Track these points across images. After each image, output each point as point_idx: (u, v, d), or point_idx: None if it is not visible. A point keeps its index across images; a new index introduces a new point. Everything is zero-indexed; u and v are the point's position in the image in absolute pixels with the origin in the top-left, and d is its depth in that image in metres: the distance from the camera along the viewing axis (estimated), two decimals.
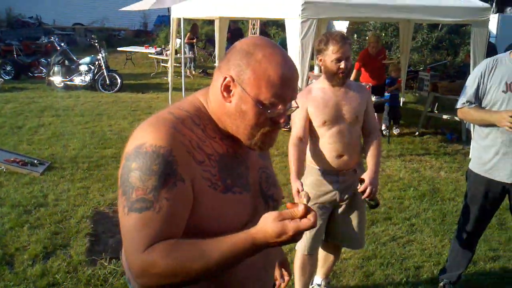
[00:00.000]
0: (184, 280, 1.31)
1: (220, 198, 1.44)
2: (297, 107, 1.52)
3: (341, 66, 3.08)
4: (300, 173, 3.16)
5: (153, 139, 1.35)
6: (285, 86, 1.42)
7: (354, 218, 3.43)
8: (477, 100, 3.40)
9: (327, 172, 3.28)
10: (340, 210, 3.41)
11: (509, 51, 3.39)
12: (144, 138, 1.36)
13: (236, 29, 16.34)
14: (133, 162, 1.34)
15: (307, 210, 1.28)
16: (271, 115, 1.44)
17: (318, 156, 3.29)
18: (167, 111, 1.48)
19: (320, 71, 3.48)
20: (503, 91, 3.28)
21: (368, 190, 3.16)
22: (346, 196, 3.34)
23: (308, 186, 3.30)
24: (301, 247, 3.42)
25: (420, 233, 4.93)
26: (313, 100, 3.20)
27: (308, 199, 1.34)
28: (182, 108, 1.50)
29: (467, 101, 3.43)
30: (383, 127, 9.07)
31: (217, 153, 1.47)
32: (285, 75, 1.42)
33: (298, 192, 2.97)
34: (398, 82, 8.86)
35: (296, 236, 1.28)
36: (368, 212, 5.31)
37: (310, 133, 3.27)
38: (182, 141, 1.39)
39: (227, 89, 1.43)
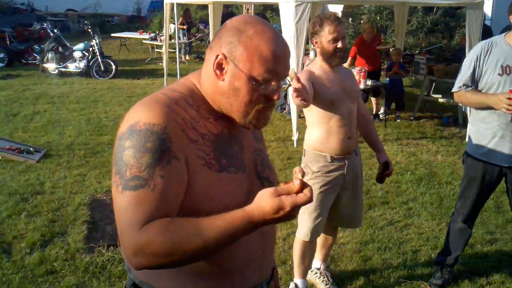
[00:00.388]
0: (180, 259, 1.30)
1: (215, 177, 1.43)
2: (290, 85, 1.53)
3: (338, 46, 3.07)
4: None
5: (146, 117, 1.34)
6: (278, 61, 1.42)
7: (356, 198, 3.48)
8: (473, 83, 3.39)
9: (335, 157, 3.27)
10: (344, 192, 3.40)
11: (504, 33, 3.38)
12: (138, 117, 1.35)
13: (228, 14, 16.23)
14: (127, 140, 1.33)
15: (303, 185, 1.27)
16: (265, 92, 1.44)
17: (326, 142, 3.25)
18: (160, 92, 1.47)
19: (315, 55, 3.46)
20: (499, 74, 3.27)
21: (391, 169, 3.41)
22: (351, 177, 3.37)
23: (316, 173, 3.28)
24: (303, 234, 3.39)
25: (418, 217, 4.95)
26: (319, 78, 3.16)
27: (303, 175, 1.33)
28: (175, 89, 1.49)
29: (463, 85, 3.42)
30: (381, 111, 9.06)
31: (211, 133, 1.46)
32: (277, 51, 1.41)
33: None
34: (395, 67, 8.79)
35: (293, 211, 1.27)
36: (365, 197, 5.34)
37: (315, 118, 3.25)
38: (176, 119, 1.37)
39: (219, 67, 1.42)
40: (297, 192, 1.27)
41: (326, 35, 3.07)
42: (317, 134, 3.28)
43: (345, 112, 3.21)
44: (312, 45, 3.24)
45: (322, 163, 3.27)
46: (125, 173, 1.31)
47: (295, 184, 1.27)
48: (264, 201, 1.27)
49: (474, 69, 3.36)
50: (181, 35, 15.43)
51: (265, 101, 1.46)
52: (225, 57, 1.41)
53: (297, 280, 3.56)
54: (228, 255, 1.47)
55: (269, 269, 1.70)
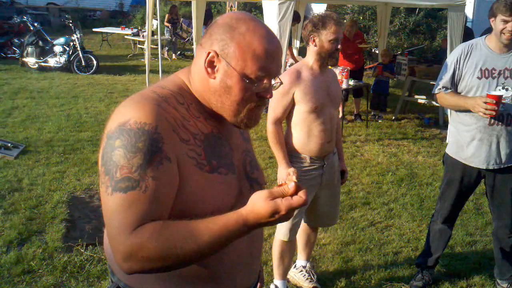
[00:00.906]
0: (173, 264, 1.28)
1: (206, 178, 1.40)
2: (281, 83, 1.50)
3: (338, 47, 3.11)
4: (287, 158, 3.19)
5: (137, 116, 1.30)
6: (270, 59, 1.40)
7: (334, 197, 3.53)
8: (453, 85, 3.42)
9: (313, 159, 3.27)
10: (321, 192, 3.41)
11: (484, 36, 3.40)
12: (128, 115, 1.31)
13: (206, 11, 16.16)
14: (117, 139, 1.28)
15: (298, 187, 1.26)
16: (257, 90, 1.42)
17: (305, 144, 3.25)
18: (149, 90, 1.42)
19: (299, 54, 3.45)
20: (478, 77, 3.30)
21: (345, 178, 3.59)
22: (328, 177, 3.38)
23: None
24: (282, 234, 3.40)
25: (399, 218, 4.96)
26: (304, 85, 3.14)
27: (297, 176, 1.32)
28: (165, 87, 1.45)
29: (443, 87, 3.46)
30: (373, 113, 9.06)
31: (202, 132, 1.43)
32: (270, 48, 1.40)
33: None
34: (378, 69, 8.80)
35: (289, 214, 1.26)
36: (346, 197, 5.34)
37: (297, 120, 3.22)
38: (167, 118, 1.34)
39: (211, 64, 1.40)
40: (292, 195, 1.26)
41: (328, 34, 3.07)
42: (297, 135, 3.26)
43: (327, 117, 3.22)
44: (309, 44, 3.19)
45: (300, 165, 3.27)
46: (115, 174, 1.27)
47: (290, 186, 1.26)
48: (258, 204, 1.25)
49: (454, 72, 3.40)
50: (165, 31, 15.34)
51: (257, 100, 1.44)
52: (217, 55, 1.38)
53: (277, 281, 3.54)
54: (217, 259, 1.44)
55: (256, 273, 1.69)
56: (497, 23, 3.20)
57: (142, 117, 1.30)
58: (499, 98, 3.09)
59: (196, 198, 1.38)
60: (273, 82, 1.45)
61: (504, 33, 3.17)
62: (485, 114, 3.13)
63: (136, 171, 1.26)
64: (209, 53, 1.38)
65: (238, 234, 1.29)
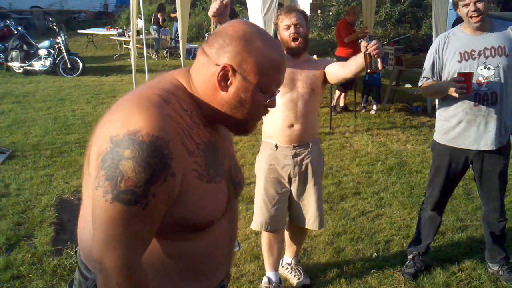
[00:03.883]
0: None
1: (204, 188, 1.40)
2: (278, 91, 1.52)
3: (291, 32, 3.13)
4: None
5: (150, 128, 1.25)
6: (282, 71, 1.44)
7: (310, 195, 3.40)
8: (434, 75, 3.48)
9: (281, 145, 3.30)
10: (295, 187, 3.38)
11: (459, 24, 3.44)
12: (139, 124, 1.26)
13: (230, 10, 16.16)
14: (127, 149, 1.23)
15: None
16: (268, 100, 1.45)
17: (271, 126, 3.30)
18: (153, 92, 1.37)
19: None
20: (458, 61, 3.34)
21: (377, 46, 2.82)
22: (300, 170, 3.33)
23: (262, 161, 3.38)
24: (254, 224, 3.44)
25: (389, 207, 4.96)
26: None
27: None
28: (167, 89, 1.40)
29: (423, 77, 3.54)
30: (363, 105, 9.03)
31: (203, 142, 1.42)
32: (282, 60, 1.43)
33: None
34: (381, 64, 8.73)
35: None
36: (337, 188, 5.34)
37: None
38: (177, 130, 1.31)
39: (224, 78, 1.38)
40: None
41: (281, 24, 3.17)
42: (266, 121, 3.34)
43: (288, 99, 3.19)
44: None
45: (269, 151, 3.34)
46: (119, 182, 1.23)
47: None
48: None
49: (434, 62, 3.47)
50: (152, 30, 15.32)
51: (264, 109, 1.47)
52: (233, 69, 1.36)
53: (269, 273, 3.54)
54: (207, 258, 1.50)
55: (233, 255, 1.74)
56: (461, 10, 3.26)
57: (155, 129, 1.25)
58: (468, 75, 3.15)
59: (195, 208, 1.38)
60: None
61: (471, 16, 3.21)
62: (457, 93, 3.18)
63: (141, 187, 1.24)
64: (224, 67, 1.36)
65: None
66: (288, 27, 3.13)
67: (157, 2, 16.85)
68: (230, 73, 1.37)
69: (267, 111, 1.49)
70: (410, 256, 3.82)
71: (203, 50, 1.42)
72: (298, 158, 3.31)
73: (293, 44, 3.15)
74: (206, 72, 1.40)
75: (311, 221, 3.43)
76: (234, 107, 1.42)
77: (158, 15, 15.70)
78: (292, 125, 3.23)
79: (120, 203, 1.24)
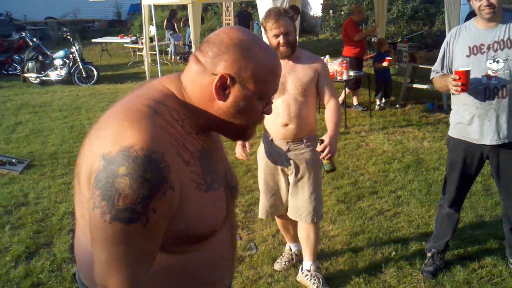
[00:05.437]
0: None
1: (203, 197, 1.37)
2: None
3: (280, 41, 3.19)
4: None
5: (143, 141, 1.21)
6: (278, 77, 1.42)
7: (303, 190, 3.47)
8: (444, 68, 3.48)
9: (276, 140, 3.44)
10: (290, 180, 3.50)
11: (473, 18, 3.39)
12: (131, 139, 1.21)
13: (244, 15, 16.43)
14: (121, 166, 1.18)
15: None
16: (266, 107, 1.44)
17: (267, 123, 3.44)
18: (141, 103, 1.32)
19: None
20: (466, 56, 3.32)
21: (326, 150, 3.20)
22: (295, 165, 3.43)
23: (261, 152, 3.57)
24: (260, 212, 3.71)
25: (407, 205, 4.92)
26: None
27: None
28: (156, 99, 1.35)
29: (433, 71, 3.55)
30: (378, 102, 9.03)
31: (197, 150, 1.38)
32: (279, 67, 1.42)
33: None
34: (386, 61, 8.72)
35: None
36: (353, 188, 5.31)
37: None
38: (170, 141, 1.27)
39: (222, 87, 1.34)
40: None
41: (268, 30, 3.21)
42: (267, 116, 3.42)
43: (280, 101, 3.29)
44: None
45: (266, 143, 3.51)
46: (116, 201, 1.18)
47: None
48: None
49: (444, 56, 3.47)
50: (169, 35, 15.45)
51: (261, 116, 1.46)
52: (232, 78, 1.33)
53: (290, 244, 3.95)
54: (213, 267, 1.48)
55: (233, 272, 1.75)
56: (474, 3, 3.23)
57: (149, 143, 1.21)
58: (465, 73, 3.13)
59: (197, 218, 1.35)
60: None
61: (482, 9, 3.17)
62: (456, 91, 3.17)
63: (140, 203, 1.19)
64: (222, 76, 1.33)
65: None
66: (277, 36, 3.18)
67: (168, 9, 16.92)
68: (228, 82, 1.34)
69: (263, 117, 1.48)
70: (429, 254, 3.78)
71: (197, 58, 1.38)
72: (291, 153, 3.42)
73: (281, 49, 3.21)
74: (202, 81, 1.36)
75: (303, 215, 3.49)
76: (232, 115, 1.39)
77: (173, 21, 15.82)
78: (286, 125, 3.35)
79: (120, 222, 1.19)
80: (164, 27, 15.59)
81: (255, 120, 1.44)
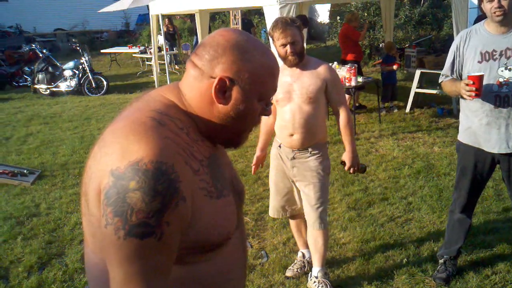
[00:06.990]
0: None
1: (215, 205, 1.34)
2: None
3: (287, 51, 3.23)
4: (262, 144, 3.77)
5: (151, 154, 1.19)
6: (277, 77, 1.40)
7: (309, 197, 3.51)
8: (454, 73, 3.43)
9: (283, 147, 3.54)
10: (298, 187, 3.59)
11: (483, 21, 3.35)
12: (140, 153, 1.19)
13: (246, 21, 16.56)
14: (131, 180, 1.16)
15: None
16: (265, 109, 1.42)
17: (277, 129, 3.56)
18: (143, 115, 1.30)
19: None
20: (478, 62, 3.26)
21: (351, 170, 3.57)
22: (299, 172, 3.50)
23: (272, 155, 3.68)
24: (271, 211, 3.83)
25: (418, 211, 4.89)
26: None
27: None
28: (159, 110, 1.33)
29: (443, 75, 3.49)
30: (386, 104, 9.12)
31: (205, 157, 1.35)
32: (277, 67, 1.40)
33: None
34: (396, 65, 8.89)
35: None
36: (364, 195, 5.29)
37: (274, 109, 3.52)
38: (178, 151, 1.25)
39: (221, 90, 1.32)
40: None
41: (276, 40, 3.26)
42: (275, 122, 3.58)
43: (286, 111, 3.39)
44: None
45: (275, 147, 3.62)
46: (130, 217, 1.15)
47: None
48: None
49: (454, 60, 3.42)
50: (168, 46, 15.49)
51: (258, 118, 1.43)
52: (231, 81, 1.31)
53: (302, 250, 3.96)
54: (224, 277, 1.45)
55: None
56: (485, 5, 3.18)
57: (158, 155, 1.19)
58: (478, 78, 3.09)
59: (208, 226, 1.33)
60: None
61: (494, 12, 3.13)
62: (469, 96, 3.13)
63: (154, 217, 1.16)
64: (220, 79, 1.31)
65: None
66: (284, 45, 3.23)
67: (175, 18, 17.04)
68: (227, 84, 1.32)
69: (260, 120, 1.45)
70: (441, 261, 3.76)
71: (193, 62, 1.36)
72: (296, 161, 3.49)
73: (289, 58, 3.26)
74: (200, 86, 1.34)
75: (310, 222, 3.56)
76: (232, 118, 1.37)
77: (169, 27, 15.85)
78: (292, 135, 3.42)
79: (135, 237, 1.16)
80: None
81: (254, 123, 1.43)
